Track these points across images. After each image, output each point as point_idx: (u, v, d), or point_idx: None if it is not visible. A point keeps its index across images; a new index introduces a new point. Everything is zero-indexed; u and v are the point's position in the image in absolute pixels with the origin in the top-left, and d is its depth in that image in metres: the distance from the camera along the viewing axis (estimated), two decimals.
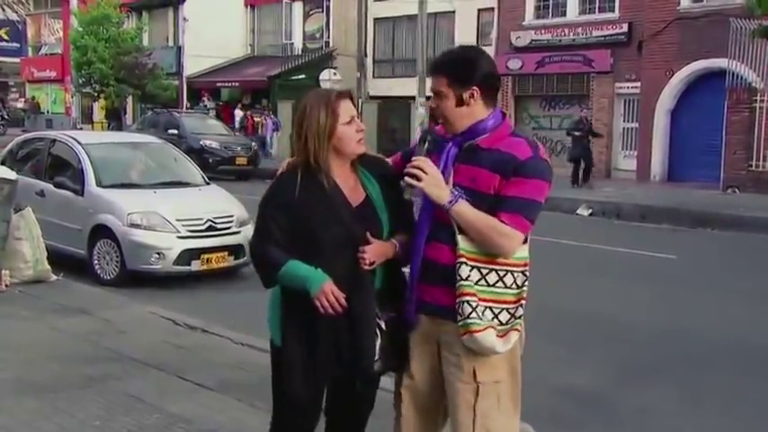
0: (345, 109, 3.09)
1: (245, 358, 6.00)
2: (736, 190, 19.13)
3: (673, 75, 22.57)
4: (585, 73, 25.02)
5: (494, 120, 3.05)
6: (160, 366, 5.80)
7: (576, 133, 21.23)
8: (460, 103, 3.02)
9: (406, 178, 2.97)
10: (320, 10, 34.05)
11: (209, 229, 9.39)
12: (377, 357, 3.08)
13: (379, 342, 3.08)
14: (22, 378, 5.50)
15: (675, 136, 23.07)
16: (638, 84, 23.58)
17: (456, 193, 2.96)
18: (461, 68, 3.02)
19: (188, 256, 9.19)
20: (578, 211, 17.59)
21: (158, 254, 9.09)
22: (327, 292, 2.98)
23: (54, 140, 10.74)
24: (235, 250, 9.48)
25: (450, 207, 2.93)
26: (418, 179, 2.95)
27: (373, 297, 3.09)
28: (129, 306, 7.73)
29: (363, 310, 3.05)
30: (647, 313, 8.48)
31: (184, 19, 36.02)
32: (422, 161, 2.98)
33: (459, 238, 2.95)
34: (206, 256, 9.28)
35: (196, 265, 9.26)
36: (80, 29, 32.93)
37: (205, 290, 9.16)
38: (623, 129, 24.84)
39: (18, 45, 47.46)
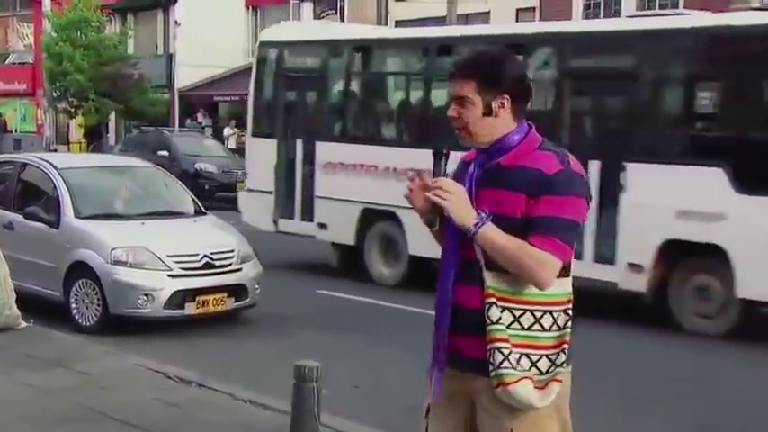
0: None
1: (248, 417, 6.00)
2: None
3: None
4: None
5: (519, 134, 3.12)
6: (148, 427, 5.81)
7: None
8: (488, 112, 3.09)
9: (432, 197, 3.01)
10: (333, 11, 34.26)
11: (206, 266, 9.41)
12: None
13: None
14: None
15: None
16: None
17: (483, 214, 3.00)
18: (492, 70, 3.10)
19: (181, 297, 9.20)
20: None
21: (146, 295, 9.10)
22: None
23: (24, 164, 10.83)
24: (235, 291, 9.49)
25: (477, 230, 2.97)
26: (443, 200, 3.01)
27: None
28: (111, 357, 7.75)
29: None
30: (732, 364, 8.39)
31: (176, 23, 36.37)
32: (445, 181, 3.05)
33: (486, 274, 2.99)
34: (202, 297, 9.28)
35: (190, 309, 9.26)
36: (54, 34, 33.33)
37: (201, 337, 9.16)
38: None
39: None
